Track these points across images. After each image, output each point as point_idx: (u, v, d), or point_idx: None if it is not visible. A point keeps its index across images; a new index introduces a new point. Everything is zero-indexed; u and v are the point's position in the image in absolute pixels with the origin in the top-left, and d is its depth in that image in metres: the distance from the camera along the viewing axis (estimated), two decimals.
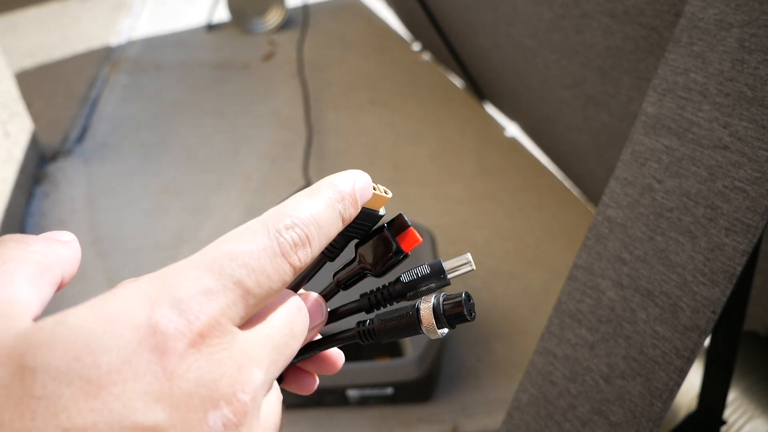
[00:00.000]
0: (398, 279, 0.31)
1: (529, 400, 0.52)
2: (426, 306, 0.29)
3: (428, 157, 1.48)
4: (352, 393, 0.92)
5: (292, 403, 0.94)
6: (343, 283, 0.32)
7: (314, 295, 0.30)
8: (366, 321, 0.31)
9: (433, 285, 0.31)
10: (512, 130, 1.56)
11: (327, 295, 0.32)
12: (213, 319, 0.20)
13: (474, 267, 0.30)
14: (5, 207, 1.18)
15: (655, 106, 0.47)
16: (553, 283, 1.15)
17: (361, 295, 0.32)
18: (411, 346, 0.91)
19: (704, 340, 0.43)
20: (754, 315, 0.84)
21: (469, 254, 0.30)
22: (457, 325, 0.31)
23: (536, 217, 1.31)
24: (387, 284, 0.32)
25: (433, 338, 0.31)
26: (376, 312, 0.32)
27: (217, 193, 1.37)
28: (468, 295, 0.30)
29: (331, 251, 0.31)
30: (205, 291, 0.20)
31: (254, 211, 1.31)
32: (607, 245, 0.49)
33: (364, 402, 0.94)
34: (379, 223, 0.31)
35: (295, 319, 0.25)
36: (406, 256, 0.31)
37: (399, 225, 0.31)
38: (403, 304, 0.31)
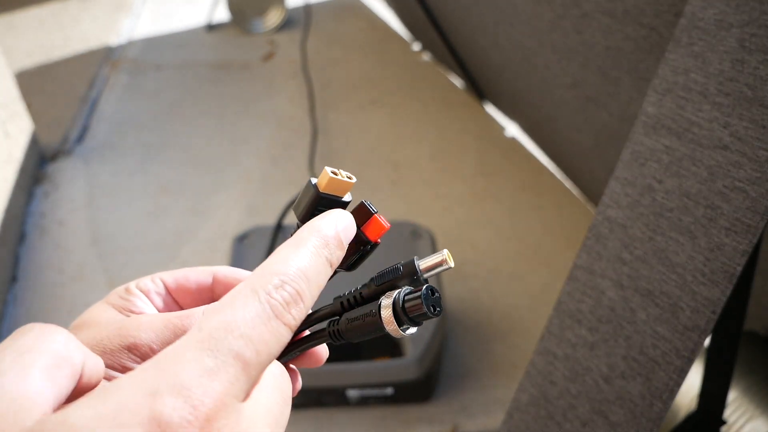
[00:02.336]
0: (370, 280, 0.29)
1: (529, 400, 0.52)
2: (387, 303, 0.27)
3: (428, 157, 1.48)
4: (352, 393, 0.92)
5: (292, 403, 0.94)
6: None
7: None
8: (336, 320, 0.29)
9: (407, 286, 0.28)
10: (512, 130, 1.56)
11: None
12: (218, 400, 0.20)
13: (452, 264, 0.28)
14: (5, 207, 1.18)
15: (655, 106, 0.47)
16: (553, 283, 1.15)
17: (335, 299, 0.30)
18: (411, 346, 0.91)
19: (704, 340, 0.43)
20: (754, 315, 0.84)
21: (446, 250, 0.28)
22: (437, 322, 0.28)
23: (536, 217, 1.31)
24: (359, 286, 0.30)
25: (398, 338, 0.28)
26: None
27: (217, 193, 1.37)
28: (431, 289, 0.27)
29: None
30: (206, 372, 0.20)
31: (254, 211, 1.31)
32: (607, 245, 0.49)
33: (364, 402, 0.94)
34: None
35: (283, 386, 0.25)
36: (375, 245, 0.29)
37: (362, 213, 0.29)
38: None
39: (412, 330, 0.27)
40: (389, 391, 0.92)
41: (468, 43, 1.38)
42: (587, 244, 0.50)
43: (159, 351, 0.24)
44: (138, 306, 0.31)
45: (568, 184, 1.40)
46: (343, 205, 0.29)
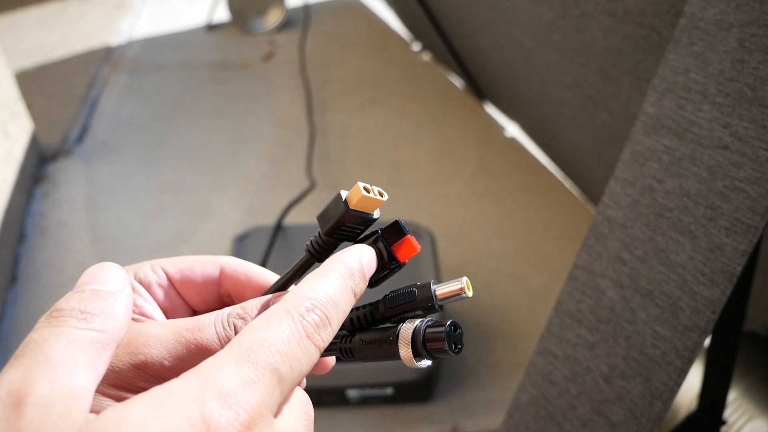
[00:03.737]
0: (383, 299, 0.28)
1: (529, 400, 0.52)
2: (406, 334, 0.26)
3: (428, 157, 1.48)
4: (352, 393, 0.92)
5: None
6: None
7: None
8: (347, 338, 0.29)
9: (420, 312, 0.27)
10: (512, 130, 1.56)
11: None
12: (257, 409, 0.21)
13: (470, 294, 0.27)
14: (5, 207, 1.18)
15: (655, 106, 0.47)
16: (553, 283, 1.15)
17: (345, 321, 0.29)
18: None
19: (704, 340, 0.43)
20: (754, 315, 0.84)
21: (465, 278, 0.27)
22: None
23: (536, 217, 1.31)
24: (371, 304, 0.29)
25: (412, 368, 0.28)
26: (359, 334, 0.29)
27: (217, 193, 1.37)
28: (454, 325, 0.26)
29: (320, 253, 0.29)
30: (247, 381, 0.22)
31: (254, 211, 1.31)
32: (607, 245, 0.49)
33: (364, 402, 0.94)
34: (375, 228, 0.29)
35: (309, 409, 0.27)
36: (401, 265, 0.28)
37: (395, 232, 0.28)
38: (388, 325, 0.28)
39: (427, 363, 0.27)
40: (389, 391, 0.92)
41: (468, 43, 1.38)
42: (587, 244, 0.50)
43: (171, 367, 0.26)
44: (140, 306, 0.30)
45: (568, 184, 1.40)
46: (372, 222, 0.29)
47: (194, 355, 0.26)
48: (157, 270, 0.32)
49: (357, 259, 0.27)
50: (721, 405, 0.65)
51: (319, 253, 0.29)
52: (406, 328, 0.27)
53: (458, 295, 0.27)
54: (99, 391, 0.25)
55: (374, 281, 0.29)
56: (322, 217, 0.29)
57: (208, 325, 0.28)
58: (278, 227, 1.05)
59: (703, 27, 0.45)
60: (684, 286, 0.43)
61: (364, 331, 0.29)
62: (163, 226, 1.28)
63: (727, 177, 0.42)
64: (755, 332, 0.83)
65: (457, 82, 1.75)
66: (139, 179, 1.41)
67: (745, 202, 0.41)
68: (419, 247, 0.28)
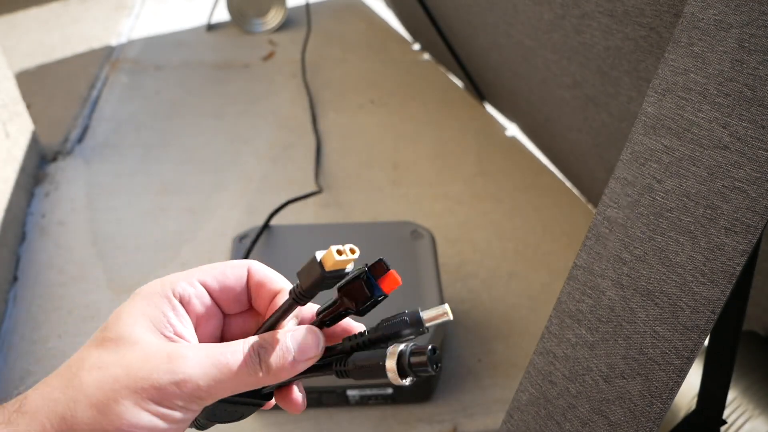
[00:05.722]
0: (378, 326, 0.34)
1: (529, 400, 0.52)
2: (391, 358, 0.32)
3: (428, 157, 1.48)
4: (352, 393, 0.92)
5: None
6: (327, 321, 0.35)
7: (313, 329, 0.35)
8: (342, 362, 0.35)
9: (411, 334, 0.33)
10: (512, 130, 1.56)
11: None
12: None
13: (451, 317, 0.33)
14: (5, 207, 1.18)
15: (655, 106, 0.47)
16: (553, 283, 1.15)
17: (344, 339, 0.35)
18: None
19: (704, 340, 0.43)
20: (754, 315, 0.84)
21: (446, 305, 0.33)
22: (444, 344, 0.34)
23: (536, 217, 1.31)
24: (367, 331, 0.34)
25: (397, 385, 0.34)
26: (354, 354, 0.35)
27: (217, 193, 1.37)
28: (433, 349, 0.32)
29: (301, 298, 0.34)
30: None
31: (254, 211, 1.31)
32: (607, 245, 0.49)
33: (364, 402, 0.94)
34: (359, 268, 0.33)
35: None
36: (385, 296, 0.33)
37: (379, 268, 0.33)
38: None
39: (411, 380, 0.32)
40: (389, 391, 0.92)
41: (468, 43, 1.38)
42: (587, 244, 0.50)
43: (205, 387, 0.30)
44: (173, 325, 0.33)
45: (568, 184, 1.40)
46: (344, 276, 0.33)
47: (226, 377, 0.31)
48: (195, 284, 0.35)
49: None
50: (721, 405, 0.65)
51: (300, 298, 0.34)
52: (392, 353, 0.32)
53: (441, 318, 0.33)
54: (140, 405, 0.29)
55: (362, 312, 0.34)
56: (301, 276, 0.33)
57: (237, 351, 0.32)
58: (265, 226, 1.05)
59: (702, 27, 0.45)
60: (684, 286, 0.43)
61: (360, 350, 0.34)
62: (163, 226, 1.29)
63: (726, 177, 0.42)
64: (755, 332, 0.83)
65: (457, 82, 1.75)
66: (139, 179, 1.41)
67: (745, 202, 0.41)
68: (401, 281, 0.33)
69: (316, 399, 0.93)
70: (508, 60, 1.16)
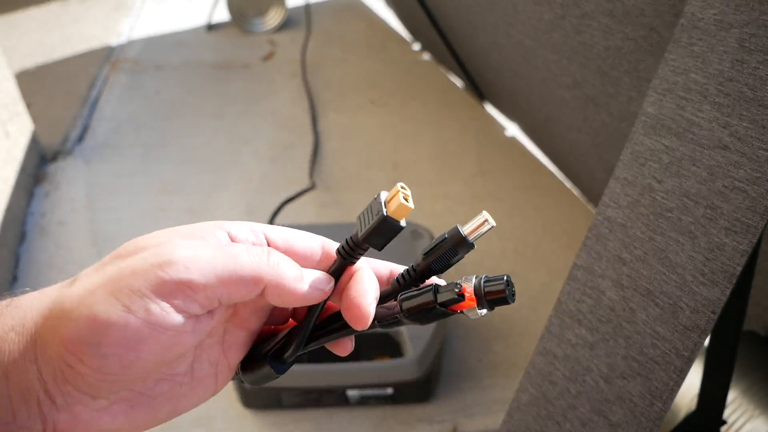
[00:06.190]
0: (424, 256, 0.30)
1: (529, 400, 0.52)
2: (467, 283, 0.29)
3: (428, 157, 1.48)
4: (352, 393, 0.92)
5: (292, 403, 0.94)
6: (381, 321, 0.31)
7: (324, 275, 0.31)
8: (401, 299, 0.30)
9: (459, 254, 0.30)
10: (512, 130, 1.56)
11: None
12: None
13: (494, 224, 0.29)
14: (5, 207, 1.18)
15: (655, 106, 0.47)
16: (553, 282, 1.15)
17: (392, 282, 0.32)
18: (411, 346, 0.91)
19: (704, 340, 0.43)
20: (754, 315, 0.84)
21: (485, 212, 0.30)
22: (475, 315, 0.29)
23: (536, 217, 1.31)
24: (413, 266, 0.31)
25: (472, 318, 0.30)
26: (402, 295, 0.30)
27: (217, 193, 1.37)
28: (509, 279, 0.29)
29: (351, 257, 0.31)
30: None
31: (254, 211, 1.31)
32: (607, 245, 0.49)
33: (364, 402, 0.94)
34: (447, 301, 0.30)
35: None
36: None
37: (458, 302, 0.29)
38: (435, 280, 0.31)
39: (484, 312, 0.29)
40: (389, 391, 0.92)
41: (468, 43, 1.38)
42: (587, 244, 0.50)
43: (199, 281, 0.27)
44: None
45: (568, 184, 1.40)
46: (399, 231, 0.30)
47: (221, 254, 0.28)
48: (257, 233, 0.31)
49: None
50: (721, 405, 0.65)
51: (350, 256, 0.31)
52: (467, 281, 0.29)
53: (484, 225, 0.29)
54: (116, 297, 0.26)
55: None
56: (362, 222, 0.30)
57: (243, 249, 0.29)
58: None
59: (702, 27, 0.45)
60: (684, 286, 0.43)
61: (407, 288, 0.31)
62: (163, 226, 1.28)
63: (727, 177, 0.42)
64: (755, 332, 0.83)
65: (457, 82, 1.75)
66: (139, 179, 1.41)
67: (745, 202, 0.41)
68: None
69: (316, 399, 0.93)
70: (508, 60, 1.16)
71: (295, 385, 0.90)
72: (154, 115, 1.62)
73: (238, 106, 1.66)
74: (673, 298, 0.44)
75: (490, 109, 1.64)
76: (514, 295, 0.29)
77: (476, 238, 0.30)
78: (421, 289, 0.30)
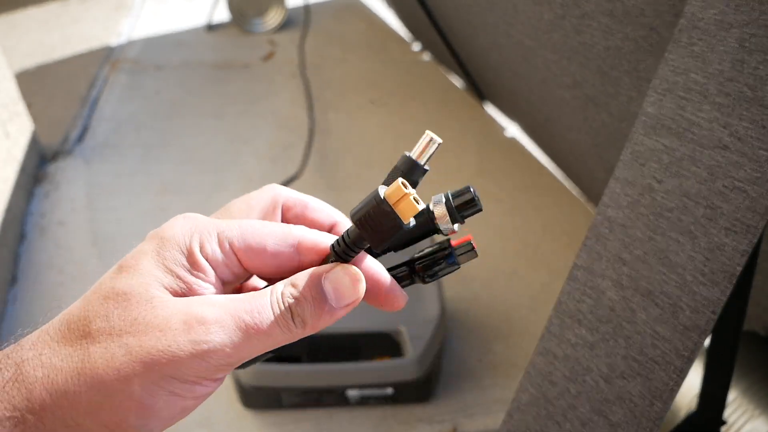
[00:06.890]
0: (378, 188, 0.29)
1: (529, 400, 0.52)
2: (438, 206, 0.31)
3: None
4: (352, 393, 0.92)
5: (292, 403, 0.94)
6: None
7: (349, 268, 0.30)
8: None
9: (415, 178, 0.30)
10: (512, 130, 1.56)
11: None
12: None
13: (440, 140, 0.30)
14: (5, 207, 1.18)
15: (655, 106, 0.47)
16: (553, 283, 1.15)
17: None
18: (411, 346, 0.91)
19: (704, 340, 0.43)
20: (754, 315, 0.84)
21: (428, 131, 0.30)
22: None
23: (536, 217, 1.31)
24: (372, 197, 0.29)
25: (447, 234, 0.32)
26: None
27: (217, 193, 1.37)
28: (471, 188, 0.31)
29: (347, 255, 0.30)
30: None
31: None
32: (607, 245, 0.49)
33: (364, 402, 0.94)
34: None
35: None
36: (458, 267, 0.34)
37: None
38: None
39: (459, 227, 0.31)
40: (389, 391, 0.92)
41: (468, 43, 1.38)
42: (587, 244, 0.50)
43: (231, 354, 0.26)
44: (200, 288, 0.28)
45: (568, 184, 1.40)
46: (400, 230, 0.29)
47: (256, 340, 0.26)
48: (225, 246, 0.29)
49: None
50: (721, 405, 0.65)
51: (347, 252, 0.30)
52: (435, 203, 0.31)
53: (430, 146, 0.29)
54: (157, 384, 0.25)
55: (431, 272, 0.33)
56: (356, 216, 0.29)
57: (265, 307, 0.27)
58: None
59: (703, 27, 0.45)
60: (684, 286, 0.43)
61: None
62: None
63: (727, 177, 0.42)
64: (755, 332, 0.83)
65: (457, 82, 1.75)
66: (139, 179, 1.41)
67: (745, 202, 0.41)
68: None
69: (316, 399, 0.93)
70: (508, 60, 1.16)
71: (295, 385, 0.90)
72: (154, 115, 1.62)
73: (238, 106, 1.66)
74: (673, 298, 0.44)
75: (490, 109, 1.64)
76: (479, 200, 0.31)
77: (427, 160, 0.29)
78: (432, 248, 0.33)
